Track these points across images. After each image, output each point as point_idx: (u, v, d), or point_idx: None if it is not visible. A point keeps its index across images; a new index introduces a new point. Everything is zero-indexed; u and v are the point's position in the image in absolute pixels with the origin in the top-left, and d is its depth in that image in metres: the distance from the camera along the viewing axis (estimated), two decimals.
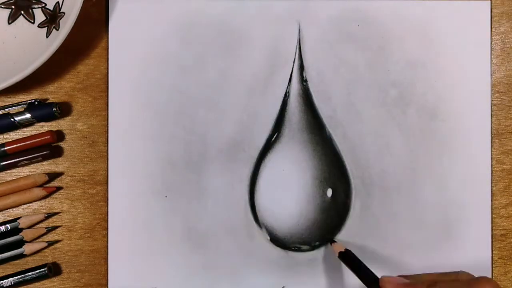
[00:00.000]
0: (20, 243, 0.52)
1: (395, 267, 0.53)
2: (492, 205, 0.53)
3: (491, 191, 0.52)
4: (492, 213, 0.52)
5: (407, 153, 0.53)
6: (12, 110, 0.52)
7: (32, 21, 0.52)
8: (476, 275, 0.42)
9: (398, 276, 0.42)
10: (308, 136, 0.53)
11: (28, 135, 0.52)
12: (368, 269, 0.46)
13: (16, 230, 0.51)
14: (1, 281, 0.51)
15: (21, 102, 0.52)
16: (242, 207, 0.53)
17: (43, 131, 0.52)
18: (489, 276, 0.52)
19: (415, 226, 0.53)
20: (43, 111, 0.51)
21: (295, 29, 0.53)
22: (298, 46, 0.53)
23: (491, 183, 0.53)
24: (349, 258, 0.48)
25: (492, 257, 0.52)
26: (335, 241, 0.52)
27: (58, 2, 0.51)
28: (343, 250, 0.49)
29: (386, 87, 0.53)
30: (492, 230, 0.52)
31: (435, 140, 0.53)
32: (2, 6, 0.52)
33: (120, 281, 0.52)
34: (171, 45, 0.53)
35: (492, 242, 0.53)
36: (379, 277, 0.43)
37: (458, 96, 0.53)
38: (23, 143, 0.51)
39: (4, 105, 0.52)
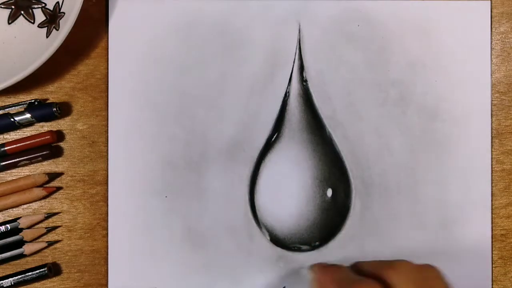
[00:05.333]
0: (20, 243, 0.52)
1: None
2: (492, 205, 0.52)
3: (491, 191, 0.52)
4: (492, 213, 0.52)
5: (407, 153, 0.53)
6: (12, 110, 0.52)
7: (32, 21, 0.51)
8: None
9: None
10: (308, 136, 0.53)
11: (28, 135, 0.52)
12: None
13: (16, 230, 0.51)
14: (1, 281, 0.51)
15: (21, 102, 0.52)
16: (242, 207, 0.53)
17: (43, 131, 0.52)
18: (489, 276, 0.52)
19: (415, 226, 0.53)
20: (43, 111, 0.51)
21: (295, 29, 0.53)
22: (298, 46, 0.53)
23: (491, 183, 0.52)
24: None
25: (492, 257, 0.52)
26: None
27: (58, 2, 0.51)
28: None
29: (386, 87, 0.53)
30: (492, 230, 0.52)
31: (435, 140, 0.53)
32: (2, 6, 0.52)
33: (120, 281, 0.52)
34: (171, 45, 0.53)
35: (492, 242, 0.53)
36: None
37: (458, 96, 0.53)
38: (23, 143, 0.51)
39: (4, 105, 0.52)
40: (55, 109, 0.51)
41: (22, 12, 0.52)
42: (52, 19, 0.51)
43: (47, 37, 0.50)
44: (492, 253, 0.52)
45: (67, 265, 0.53)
